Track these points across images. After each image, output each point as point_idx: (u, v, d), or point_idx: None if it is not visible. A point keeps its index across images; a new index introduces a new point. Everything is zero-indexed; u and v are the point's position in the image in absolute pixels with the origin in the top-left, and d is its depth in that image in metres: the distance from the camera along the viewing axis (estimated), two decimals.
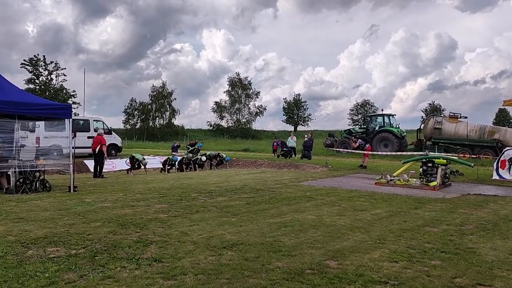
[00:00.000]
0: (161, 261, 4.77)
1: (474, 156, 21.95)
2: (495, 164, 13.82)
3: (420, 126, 27.79)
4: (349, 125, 68.47)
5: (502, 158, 13.46)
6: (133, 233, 6.08)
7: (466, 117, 26.27)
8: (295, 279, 4.28)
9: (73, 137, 11.36)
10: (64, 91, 55.09)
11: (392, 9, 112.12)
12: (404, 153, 23.56)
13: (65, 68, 57.09)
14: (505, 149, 14.14)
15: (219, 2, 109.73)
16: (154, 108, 61.14)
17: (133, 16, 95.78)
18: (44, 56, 53.97)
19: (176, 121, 63.67)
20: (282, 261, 4.87)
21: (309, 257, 5.05)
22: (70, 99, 54.00)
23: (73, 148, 11.42)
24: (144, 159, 19.34)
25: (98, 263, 4.65)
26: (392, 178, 13.38)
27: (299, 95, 75.80)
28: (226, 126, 66.51)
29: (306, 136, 27.02)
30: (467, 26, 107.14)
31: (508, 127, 33.28)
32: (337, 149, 29.34)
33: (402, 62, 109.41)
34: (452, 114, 26.81)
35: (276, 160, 24.11)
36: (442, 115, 33.71)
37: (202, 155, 22.08)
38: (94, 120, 23.85)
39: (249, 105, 68.39)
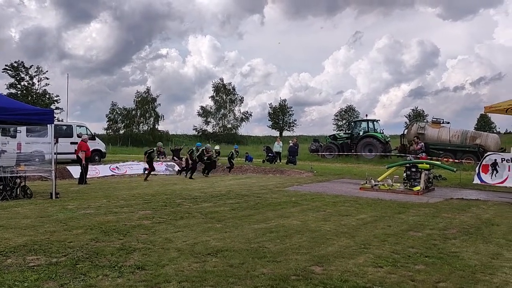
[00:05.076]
0: (144, 269, 4.69)
1: (457, 161, 22.25)
2: (477, 168, 14.00)
3: (404, 131, 28.02)
4: (334, 130, 69.02)
5: (484, 163, 13.63)
6: (116, 240, 5.99)
7: (448, 123, 26.62)
8: (280, 285, 4.26)
9: (55, 143, 11.18)
10: (47, 96, 54.40)
11: (376, 17, 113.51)
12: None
13: (47, 71, 56.40)
14: (486, 154, 14.34)
15: (205, 8, 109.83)
16: (138, 114, 60.74)
17: (118, 21, 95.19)
18: (22, 62, 53.34)
19: (161, 127, 63.45)
20: (267, 267, 4.84)
21: (294, 263, 5.03)
22: (53, 104, 53.34)
23: (55, 154, 11.25)
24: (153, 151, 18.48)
25: (80, 272, 4.55)
26: (377, 183, 13.46)
27: (284, 100, 76.18)
28: (211, 131, 66.47)
29: (291, 141, 27.07)
30: (449, 34, 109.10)
31: (489, 132, 33.91)
32: (322, 153, 29.47)
33: (386, 68, 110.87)
34: (435, 119, 27.13)
35: (262, 165, 24.08)
36: (425, 121, 34.13)
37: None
38: (77, 126, 23.51)
39: (234, 111, 68.64)
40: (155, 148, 18.63)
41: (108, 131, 59.30)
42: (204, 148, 19.93)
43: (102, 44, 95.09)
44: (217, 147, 21.02)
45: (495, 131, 57.61)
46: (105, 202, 9.98)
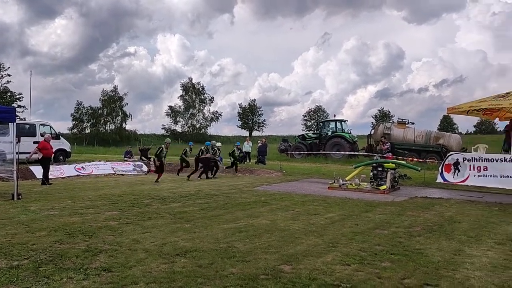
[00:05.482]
0: (110, 271, 4.60)
1: (421, 160, 22.86)
2: (440, 167, 14.43)
3: (371, 132, 28.53)
4: (302, 130, 69.64)
5: (446, 162, 14.06)
6: (81, 242, 5.85)
7: (413, 123, 27.28)
8: (249, 285, 4.26)
9: (17, 142, 10.80)
10: (9, 94, 52.47)
11: (344, 18, 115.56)
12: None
13: (9, 68, 54.36)
14: (449, 154, 14.79)
15: (175, 7, 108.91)
16: (105, 113, 59.48)
17: (84, 18, 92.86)
18: None
19: (129, 126, 62.41)
20: (236, 267, 4.84)
21: (263, 262, 5.04)
22: (15, 102, 51.51)
23: (17, 153, 10.86)
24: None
25: (43, 275, 4.41)
26: (344, 182, 13.67)
27: (254, 100, 76.34)
28: (180, 131, 65.90)
29: (259, 141, 27.14)
30: (413, 37, 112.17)
31: (452, 133, 35.01)
32: (291, 153, 29.68)
33: (353, 70, 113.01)
34: (400, 120, 27.74)
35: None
36: (391, 121, 34.87)
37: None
38: (40, 125, 22.78)
39: (204, 110, 68.34)
40: (163, 146, 16.83)
41: (73, 131, 57.80)
42: (207, 146, 18.41)
43: (67, 41, 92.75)
44: (218, 143, 19.70)
45: (457, 132, 59.64)
46: (70, 203, 9.73)
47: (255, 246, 5.84)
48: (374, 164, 13.89)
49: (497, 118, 16.31)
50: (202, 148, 18.08)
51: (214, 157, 18.02)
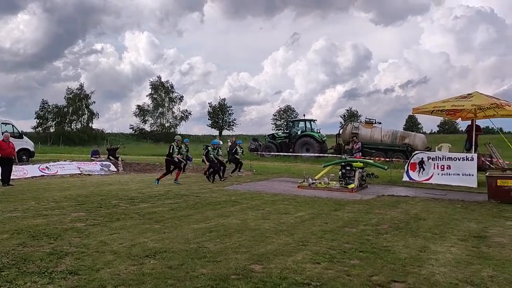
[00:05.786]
0: (77, 274, 4.48)
1: (388, 159, 23.37)
2: (405, 166, 14.81)
3: (339, 131, 28.93)
4: (272, 129, 69.97)
5: (412, 161, 14.45)
6: (46, 245, 5.67)
7: (380, 123, 27.84)
8: (220, 285, 4.24)
9: None
10: None
11: (313, 19, 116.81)
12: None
13: None
14: (414, 153, 15.20)
15: (143, 4, 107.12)
16: (70, 111, 57.92)
17: (47, 13, 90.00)
18: None
19: (96, 125, 61.05)
20: (207, 267, 4.81)
21: (234, 262, 5.03)
22: None
23: None
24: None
25: (5, 279, 4.26)
26: (314, 181, 13.81)
27: (224, 99, 76.10)
28: (149, 130, 65.02)
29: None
30: (380, 38, 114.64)
31: (417, 132, 35.94)
32: (261, 152, 29.76)
33: (322, 70, 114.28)
34: (368, 120, 28.25)
35: (201, 164, 23.84)
36: (358, 121, 35.46)
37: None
38: (2, 123, 22.00)
39: (173, 109, 67.64)
40: (173, 144, 15.28)
41: (37, 129, 56.01)
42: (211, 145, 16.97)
43: (30, 36, 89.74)
44: (220, 142, 18.16)
45: (422, 131, 61.35)
46: (34, 204, 9.42)
47: (226, 246, 5.82)
48: (343, 163, 14.11)
49: (460, 118, 16.90)
50: (209, 147, 16.79)
51: (218, 158, 17.36)
